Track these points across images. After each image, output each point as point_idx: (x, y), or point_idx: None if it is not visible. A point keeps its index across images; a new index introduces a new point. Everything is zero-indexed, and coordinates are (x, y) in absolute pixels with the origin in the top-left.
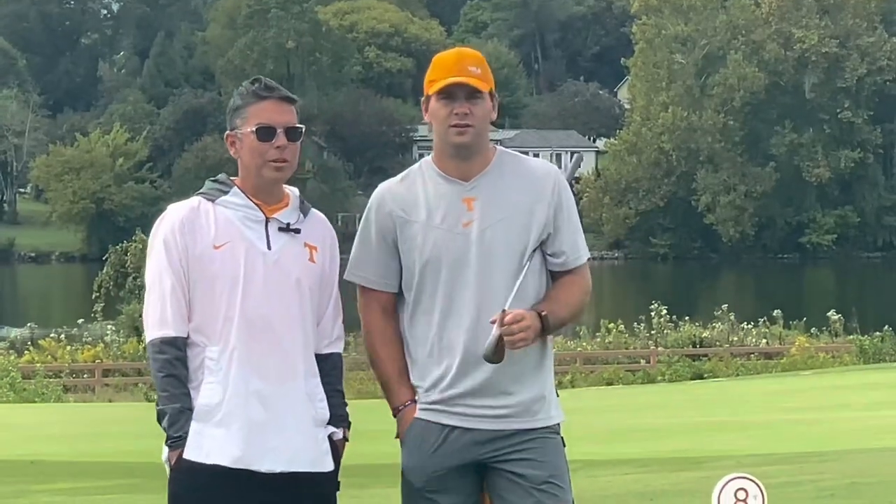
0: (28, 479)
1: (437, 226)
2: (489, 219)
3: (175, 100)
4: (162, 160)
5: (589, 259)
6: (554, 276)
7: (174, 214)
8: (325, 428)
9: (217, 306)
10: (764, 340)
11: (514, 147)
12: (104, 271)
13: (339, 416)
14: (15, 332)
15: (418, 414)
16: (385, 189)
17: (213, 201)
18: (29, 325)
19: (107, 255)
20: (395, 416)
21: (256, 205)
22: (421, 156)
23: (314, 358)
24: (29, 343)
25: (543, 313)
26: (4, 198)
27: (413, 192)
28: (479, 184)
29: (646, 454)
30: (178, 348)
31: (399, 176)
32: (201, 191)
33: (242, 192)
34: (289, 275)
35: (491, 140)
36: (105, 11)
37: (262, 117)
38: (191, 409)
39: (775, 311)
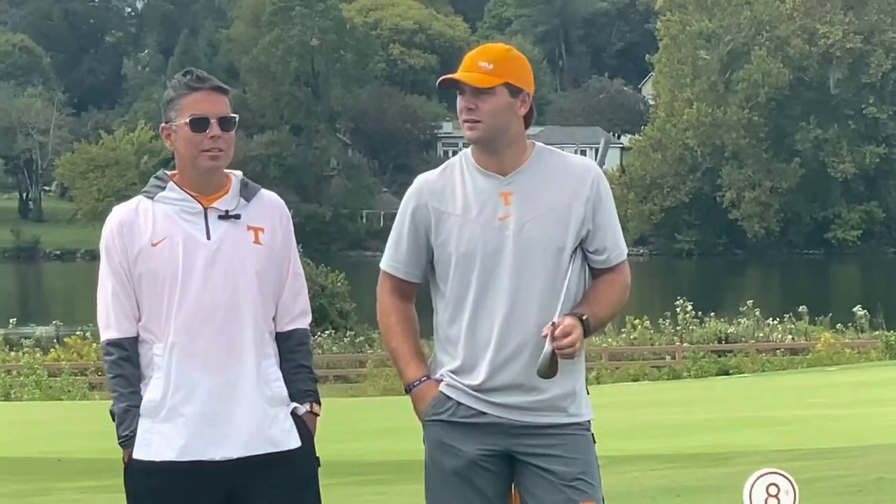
0: (54, 476)
1: (474, 219)
2: (525, 214)
3: None
4: None
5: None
6: (594, 274)
7: (114, 218)
8: (285, 406)
9: (159, 303)
10: (789, 336)
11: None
12: None
13: (304, 392)
14: (40, 330)
15: (451, 393)
16: (423, 181)
17: (152, 198)
18: (54, 322)
19: None
20: (407, 391)
21: (193, 196)
22: (446, 153)
23: (268, 339)
24: (55, 341)
25: (584, 317)
26: (29, 196)
27: (451, 184)
28: (517, 179)
29: (673, 450)
30: (123, 348)
31: (438, 168)
32: (144, 189)
33: (178, 185)
34: (231, 262)
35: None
36: (129, 9)
37: (196, 108)
38: (138, 407)
39: (801, 307)
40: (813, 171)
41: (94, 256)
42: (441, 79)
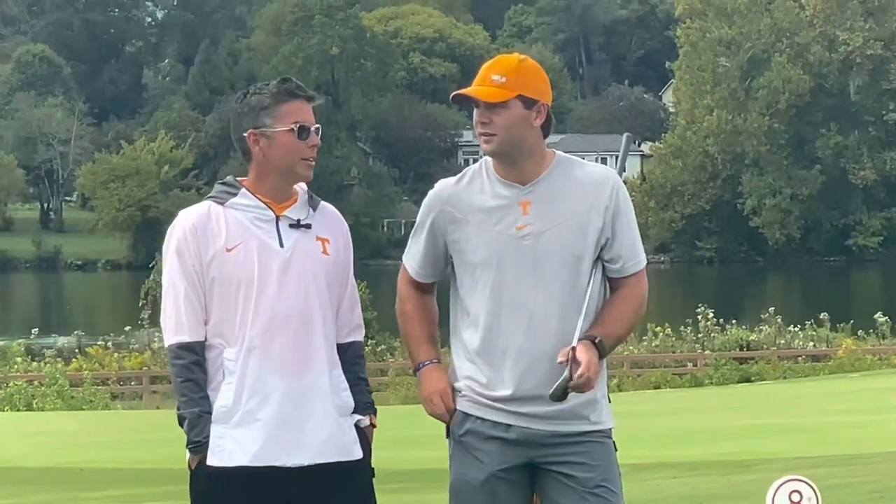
0: (77, 486)
1: (492, 227)
2: (544, 223)
3: (220, 107)
4: (207, 167)
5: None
6: (611, 283)
7: (185, 220)
8: (350, 417)
9: (233, 308)
10: (811, 343)
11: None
12: (150, 278)
13: (364, 404)
14: (62, 340)
15: (472, 410)
16: (442, 187)
17: (222, 204)
18: (76, 332)
19: (153, 262)
20: (415, 372)
21: (266, 203)
22: (466, 161)
23: (335, 348)
24: (76, 351)
25: (598, 340)
26: (51, 206)
27: (469, 192)
28: (536, 188)
29: (695, 457)
30: (194, 353)
31: (457, 176)
32: (210, 195)
33: (251, 192)
34: (303, 270)
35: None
36: (149, 19)
37: (299, 116)
38: (209, 413)
39: (822, 314)
40: (833, 178)
41: (115, 266)
42: (453, 95)
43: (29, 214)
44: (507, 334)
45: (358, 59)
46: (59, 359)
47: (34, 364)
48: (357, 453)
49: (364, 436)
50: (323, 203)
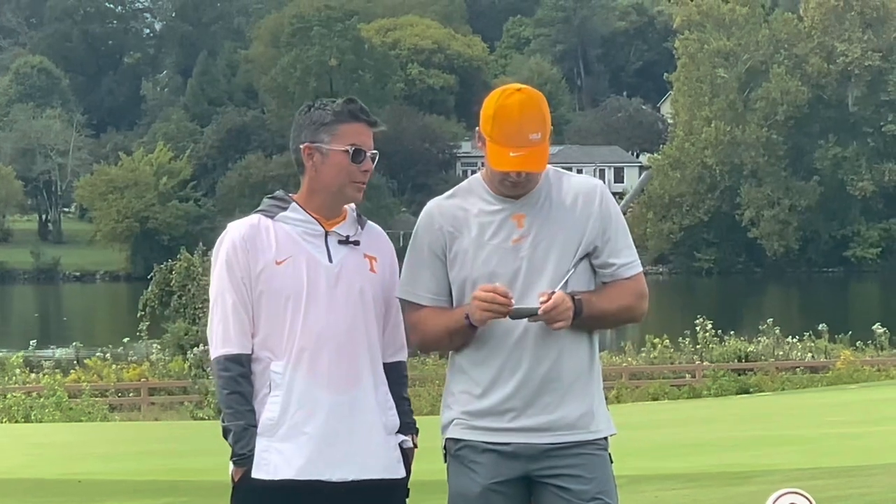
0: (75, 498)
1: (487, 242)
2: (539, 236)
3: (218, 118)
4: (206, 178)
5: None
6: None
7: (235, 232)
8: (395, 436)
9: (281, 321)
10: (809, 354)
11: (557, 163)
12: (149, 290)
13: (407, 424)
14: (61, 352)
15: (463, 435)
16: (434, 205)
17: (272, 218)
18: (74, 344)
19: (152, 273)
20: (468, 320)
21: (316, 219)
22: (464, 172)
23: (381, 367)
24: (75, 362)
25: (577, 297)
26: (49, 217)
27: (463, 208)
28: (529, 201)
29: (693, 469)
30: (241, 365)
31: (448, 192)
32: (260, 208)
33: (301, 206)
34: (351, 286)
35: None
36: (148, 31)
37: (356, 139)
38: (255, 426)
39: (820, 325)
40: (832, 189)
41: (113, 278)
42: (511, 170)
43: (27, 226)
44: (502, 345)
45: (356, 70)
46: (57, 370)
47: (32, 376)
48: (400, 472)
49: (406, 456)
50: (370, 223)
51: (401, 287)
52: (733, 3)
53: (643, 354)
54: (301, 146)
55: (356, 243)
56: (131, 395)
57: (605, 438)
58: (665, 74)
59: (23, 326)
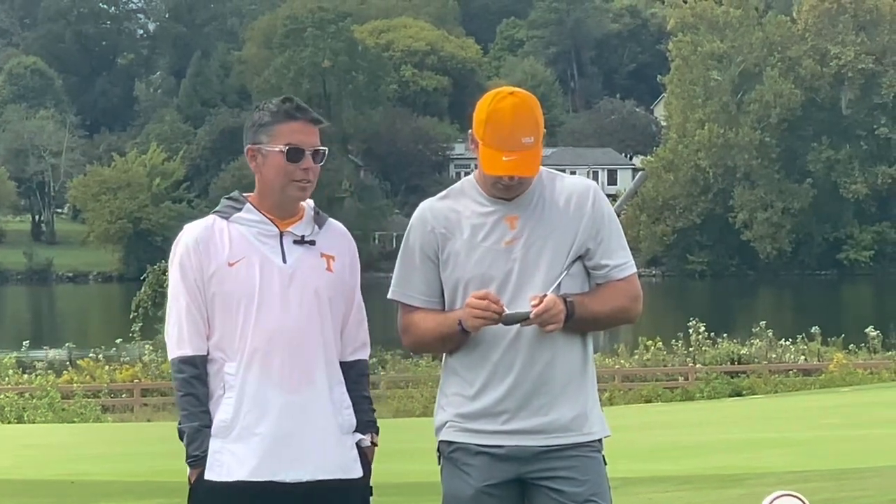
0: (68, 499)
1: (480, 244)
2: (531, 237)
3: (211, 119)
4: (199, 180)
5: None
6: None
7: (189, 234)
8: (352, 435)
9: (234, 323)
10: (802, 357)
11: (550, 165)
12: (142, 291)
13: (366, 422)
14: (53, 353)
15: (456, 438)
16: (427, 207)
17: (227, 219)
18: (67, 345)
19: (144, 274)
20: (460, 326)
21: (270, 219)
22: (458, 174)
23: (338, 366)
24: (67, 363)
25: (569, 299)
26: (42, 218)
27: (455, 210)
28: (522, 203)
29: (686, 471)
30: (195, 366)
31: (441, 194)
32: (216, 209)
33: (255, 207)
34: (306, 286)
35: None
36: (141, 31)
37: (292, 138)
38: (209, 427)
39: (813, 328)
40: (825, 192)
41: (106, 278)
42: (504, 174)
43: (20, 227)
44: (494, 347)
45: (349, 71)
46: (50, 371)
47: (25, 376)
48: (357, 472)
49: (364, 455)
50: (331, 220)
51: (393, 288)
52: (727, 6)
53: (636, 356)
54: (245, 148)
55: (312, 243)
56: (124, 396)
57: (599, 440)
58: (658, 77)
59: (15, 327)
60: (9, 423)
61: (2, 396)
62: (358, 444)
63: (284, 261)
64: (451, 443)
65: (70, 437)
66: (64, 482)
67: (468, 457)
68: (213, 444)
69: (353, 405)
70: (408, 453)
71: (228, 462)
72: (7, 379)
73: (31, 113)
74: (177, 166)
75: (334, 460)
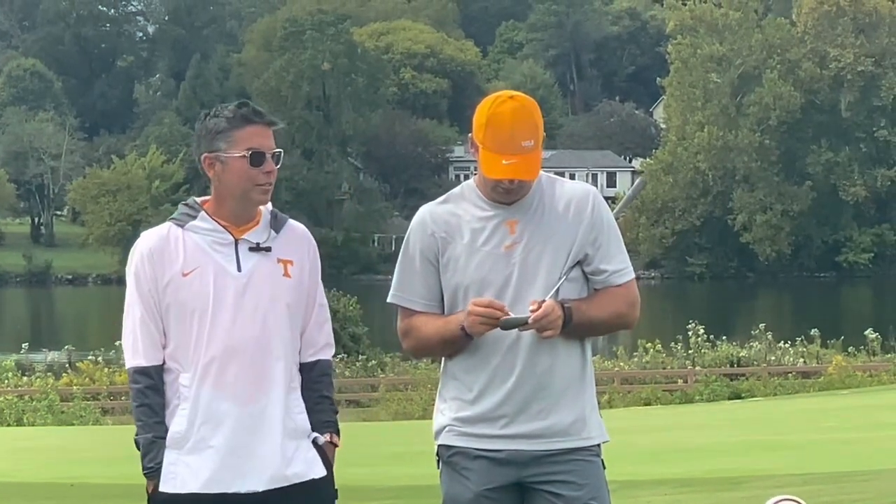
0: (67, 501)
1: (480, 248)
2: (531, 241)
3: None
4: (198, 182)
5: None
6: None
7: (144, 244)
8: (307, 437)
9: (188, 333)
10: (801, 359)
11: (550, 167)
12: None
13: (323, 423)
14: (53, 355)
15: (455, 442)
16: (427, 211)
17: (182, 227)
18: (66, 347)
19: None
20: (464, 331)
21: (224, 227)
22: (457, 177)
23: (297, 371)
24: (67, 366)
25: (567, 305)
26: (41, 221)
27: (455, 214)
28: (521, 207)
29: (685, 474)
30: (150, 377)
31: (441, 198)
32: (173, 216)
33: (209, 215)
34: (261, 295)
35: None
36: (140, 34)
37: (253, 142)
38: (163, 438)
39: (812, 330)
40: (824, 194)
41: (105, 281)
42: (504, 177)
43: (19, 229)
44: (494, 351)
45: (349, 74)
46: (49, 374)
47: (25, 379)
48: (318, 472)
49: (325, 454)
50: (290, 222)
51: (393, 292)
52: (726, 8)
53: (635, 359)
54: (200, 157)
55: (268, 249)
56: (123, 398)
57: (598, 445)
58: (658, 79)
59: (15, 329)
60: (8, 425)
61: (1, 399)
62: (315, 443)
63: (239, 269)
64: (450, 447)
65: (69, 439)
66: (63, 485)
67: (467, 461)
68: (169, 456)
69: (312, 406)
70: (407, 456)
71: (183, 474)
72: (6, 381)
73: (31, 115)
74: (176, 169)
75: (292, 466)
